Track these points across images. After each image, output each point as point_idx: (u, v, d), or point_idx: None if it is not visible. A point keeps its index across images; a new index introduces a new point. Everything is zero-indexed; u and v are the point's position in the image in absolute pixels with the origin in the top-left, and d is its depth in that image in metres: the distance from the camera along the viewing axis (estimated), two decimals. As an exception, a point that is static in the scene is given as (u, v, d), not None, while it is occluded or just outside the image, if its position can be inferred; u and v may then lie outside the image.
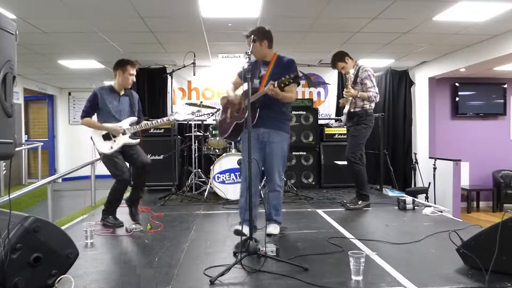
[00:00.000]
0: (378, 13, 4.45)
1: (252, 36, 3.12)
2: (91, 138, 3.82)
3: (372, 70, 4.34)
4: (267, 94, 3.14)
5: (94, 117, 3.84)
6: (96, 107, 3.77)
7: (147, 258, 2.76)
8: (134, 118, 3.90)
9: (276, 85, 3.07)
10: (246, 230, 3.03)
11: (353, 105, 4.36)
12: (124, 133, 3.79)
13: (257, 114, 3.21)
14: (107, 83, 4.02)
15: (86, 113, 3.79)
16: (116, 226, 3.75)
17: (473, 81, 7.93)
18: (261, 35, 3.25)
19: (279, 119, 3.31)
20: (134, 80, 3.91)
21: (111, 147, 3.76)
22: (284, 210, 3.89)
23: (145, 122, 3.94)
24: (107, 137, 3.78)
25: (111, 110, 3.78)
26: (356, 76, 4.30)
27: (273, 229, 3.32)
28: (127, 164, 3.87)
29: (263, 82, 3.30)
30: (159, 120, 3.98)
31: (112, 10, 4.32)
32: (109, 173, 3.83)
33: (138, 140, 3.90)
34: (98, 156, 3.91)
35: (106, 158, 3.76)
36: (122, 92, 3.88)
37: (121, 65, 3.82)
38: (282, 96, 3.16)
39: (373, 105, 4.36)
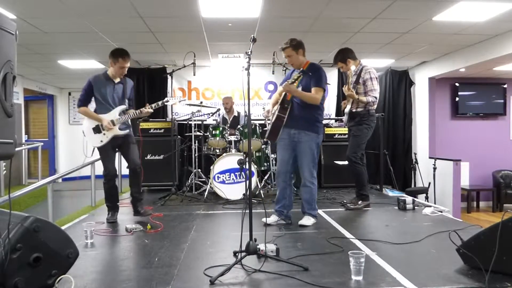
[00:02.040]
0: (378, 13, 4.45)
1: (291, 47, 3.53)
2: (83, 132, 3.87)
3: (375, 72, 4.34)
4: (295, 97, 3.56)
5: (93, 105, 3.90)
6: (91, 95, 3.83)
7: (147, 258, 2.76)
8: (124, 107, 3.92)
9: (289, 82, 3.46)
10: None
11: (355, 105, 4.35)
12: (114, 124, 3.82)
13: (287, 115, 3.57)
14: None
15: (82, 102, 3.84)
16: (108, 221, 3.89)
17: (473, 81, 7.93)
18: (298, 45, 3.59)
19: (308, 121, 3.61)
20: (125, 72, 3.89)
21: (101, 141, 3.83)
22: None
23: (132, 111, 3.95)
24: (97, 129, 3.83)
25: (107, 98, 3.83)
26: (359, 76, 4.30)
27: (306, 220, 3.67)
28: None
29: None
30: (143, 109, 3.94)
31: (112, 10, 4.32)
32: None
33: (127, 131, 3.93)
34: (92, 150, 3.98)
35: (100, 150, 3.87)
36: (118, 80, 3.90)
37: (114, 56, 3.80)
38: (299, 94, 3.52)
39: (375, 105, 4.36)
